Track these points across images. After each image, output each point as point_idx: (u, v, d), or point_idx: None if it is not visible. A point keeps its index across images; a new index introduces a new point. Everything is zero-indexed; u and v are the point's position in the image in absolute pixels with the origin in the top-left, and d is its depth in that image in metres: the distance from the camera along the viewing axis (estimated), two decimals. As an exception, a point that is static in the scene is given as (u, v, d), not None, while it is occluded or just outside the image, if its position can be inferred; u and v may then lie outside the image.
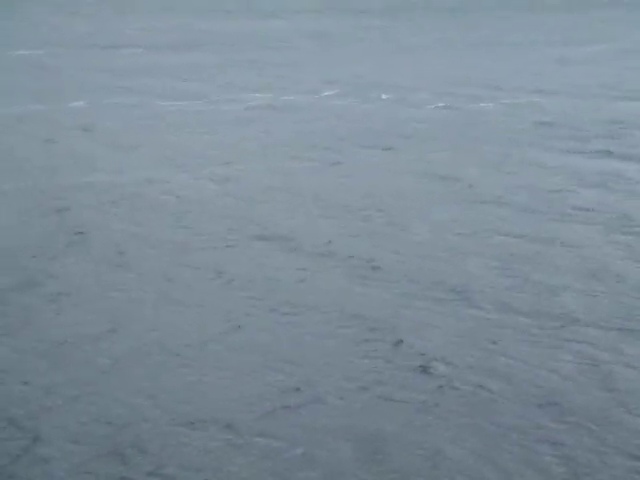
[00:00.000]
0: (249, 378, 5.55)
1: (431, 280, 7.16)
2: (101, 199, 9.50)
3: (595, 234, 8.34)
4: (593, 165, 11.03)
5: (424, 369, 5.66)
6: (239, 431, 4.93)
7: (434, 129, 13.31)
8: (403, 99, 15.87)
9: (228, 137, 12.75)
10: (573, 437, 4.87)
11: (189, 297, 6.85)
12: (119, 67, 19.48)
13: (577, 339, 6.09)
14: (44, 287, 7.03)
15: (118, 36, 25.06)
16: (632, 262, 7.58)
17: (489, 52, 22.54)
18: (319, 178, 10.46)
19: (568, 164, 11.10)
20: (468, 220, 8.79)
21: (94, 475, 4.54)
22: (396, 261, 7.64)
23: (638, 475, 4.50)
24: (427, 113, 14.67)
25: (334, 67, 19.74)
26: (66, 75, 18.47)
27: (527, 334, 6.17)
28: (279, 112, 14.71)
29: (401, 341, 6.04)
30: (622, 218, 8.80)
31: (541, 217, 8.87)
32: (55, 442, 4.82)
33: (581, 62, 20.71)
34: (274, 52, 22.27)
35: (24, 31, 25.96)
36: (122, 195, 9.64)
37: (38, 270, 7.38)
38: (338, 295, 6.87)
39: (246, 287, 7.05)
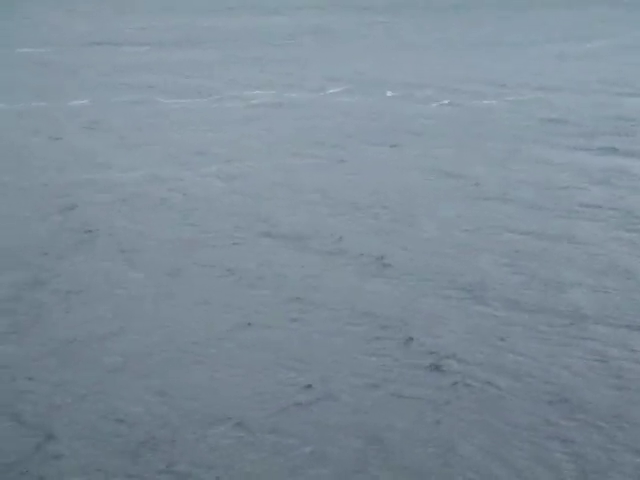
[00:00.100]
0: (260, 375, 5.55)
1: (441, 277, 7.16)
2: (108, 197, 9.50)
3: (602, 231, 8.33)
4: (599, 162, 11.02)
5: (435, 366, 5.65)
6: (250, 428, 4.93)
7: (440, 126, 13.29)
8: (408, 96, 15.84)
9: (233, 134, 12.73)
10: (582, 434, 4.87)
11: (198, 294, 6.85)
12: (122, 65, 19.45)
13: (586, 336, 6.08)
14: (53, 285, 7.03)
15: (119, 34, 25.05)
16: (640, 259, 7.60)
17: (491, 49, 22.51)
18: (326, 175, 10.45)
19: (574, 161, 11.08)
20: (476, 217, 8.78)
21: (105, 472, 4.54)
22: (406, 258, 7.63)
23: (648, 472, 4.52)
24: (432, 110, 14.65)
25: (338, 64, 19.71)
26: (69, 73, 18.45)
27: (536, 331, 6.16)
28: (284, 109, 14.70)
29: (412, 338, 6.03)
30: (629, 215, 8.79)
31: (548, 214, 8.86)
32: (66, 440, 4.82)
33: (583, 59, 20.69)
34: (277, 49, 22.24)
35: (26, 29, 25.95)
36: (129, 193, 9.64)
37: (47, 268, 7.38)
38: (348, 292, 6.87)
39: (256, 284, 7.05)
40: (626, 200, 9.31)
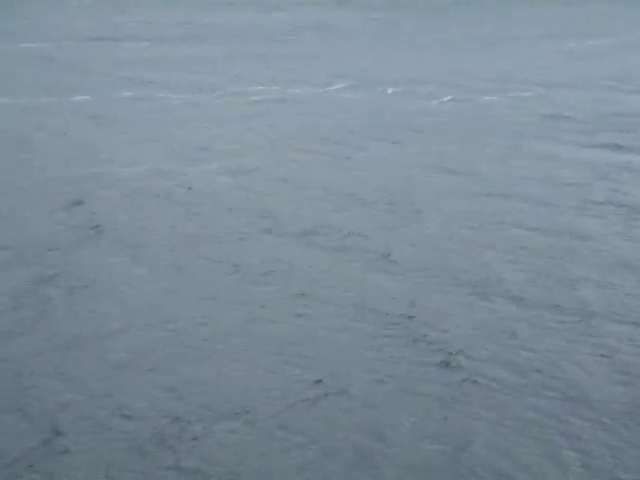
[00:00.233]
0: (268, 371, 5.54)
1: (447, 273, 7.16)
2: (113, 192, 9.48)
3: (607, 227, 8.33)
4: (602, 158, 11.01)
5: (443, 362, 5.65)
6: (259, 424, 4.93)
7: (443, 122, 13.28)
8: (410, 93, 15.82)
9: (236, 130, 12.71)
10: (590, 431, 4.88)
11: (204, 290, 6.84)
12: (124, 60, 19.41)
13: (595, 333, 6.08)
14: (60, 280, 7.01)
15: (121, 29, 24.99)
16: (646, 255, 7.59)
17: (492, 46, 22.46)
18: (330, 171, 10.43)
19: (577, 157, 11.08)
20: (481, 213, 8.78)
21: (112, 468, 4.54)
22: (412, 254, 7.62)
23: (656, 470, 4.52)
24: (435, 107, 14.63)
25: (341, 60, 19.67)
26: (71, 68, 18.39)
27: (545, 327, 6.16)
28: (287, 105, 14.67)
29: (419, 334, 6.03)
30: (633, 211, 8.79)
31: (553, 210, 8.85)
32: (73, 435, 4.82)
33: (584, 55, 20.67)
34: (280, 45, 22.19)
35: (27, 25, 25.88)
36: (133, 188, 9.63)
37: (53, 264, 7.36)
38: (355, 288, 6.87)
39: (261, 280, 7.04)
40: (630, 196, 9.31)
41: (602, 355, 5.77)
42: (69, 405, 5.12)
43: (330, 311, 6.45)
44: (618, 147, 11.55)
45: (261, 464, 4.58)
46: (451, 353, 5.75)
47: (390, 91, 16.01)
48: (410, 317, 6.31)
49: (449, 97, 15.37)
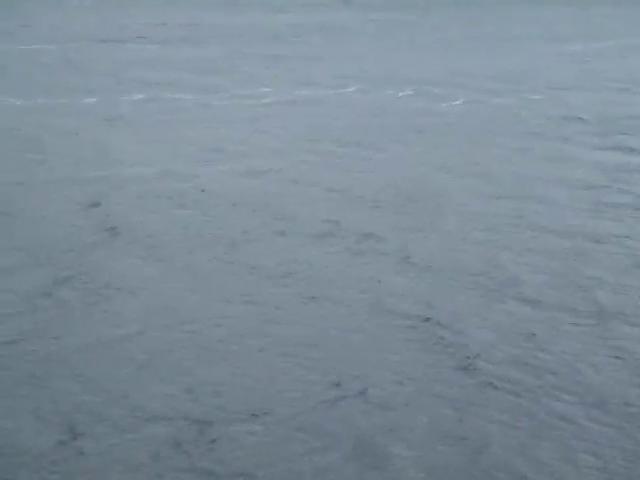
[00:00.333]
0: (285, 373, 5.53)
1: (465, 275, 7.14)
2: (128, 193, 9.46)
3: (623, 229, 8.32)
4: (616, 160, 11.01)
5: (461, 365, 5.63)
6: (277, 426, 4.91)
7: (454, 124, 13.27)
8: (419, 94, 15.81)
9: (247, 132, 12.69)
10: (607, 434, 4.85)
11: (220, 291, 6.82)
12: (129, 61, 19.42)
13: (611, 335, 6.07)
14: (76, 282, 6.98)
15: (126, 31, 25.01)
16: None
17: (496, 46, 22.49)
18: (343, 173, 10.41)
19: (591, 158, 11.07)
20: (497, 214, 8.77)
21: (128, 470, 4.51)
22: (428, 256, 7.60)
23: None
24: (445, 108, 14.62)
25: (346, 61, 19.69)
26: (77, 69, 18.39)
27: (561, 329, 6.15)
28: (295, 106, 14.66)
29: (437, 336, 6.02)
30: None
31: (568, 212, 8.84)
32: (90, 436, 4.80)
33: (588, 57, 20.68)
34: (285, 46, 22.20)
35: (29, 26, 25.90)
36: (147, 189, 9.59)
37: (69, 265, 7.33)
38: (372, 289, 6.85)
39: (277, 281, 7.02)
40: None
41: (618, 357, 5.76)
42: (85, 406, 5.10)
43: (346, 312, 6.43)
44: (631, 149, 11.56)
45: (280, 467, 4.56)
46: (468, 356, 5.74)
47: (400, 92, 16.00)
48: (427, 319, 6.29)
49: (459, 98, 15.37)
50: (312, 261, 7.47)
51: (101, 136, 12.25)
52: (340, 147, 11.66)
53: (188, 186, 9.74)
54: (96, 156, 11.06)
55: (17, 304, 6.52)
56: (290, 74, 17.85)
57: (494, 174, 10.32)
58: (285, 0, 35.29)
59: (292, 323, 6.25)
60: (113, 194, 9.41)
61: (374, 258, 7.55)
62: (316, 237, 8.07)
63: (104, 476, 4.47)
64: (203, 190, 9.56)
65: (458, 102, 15.04)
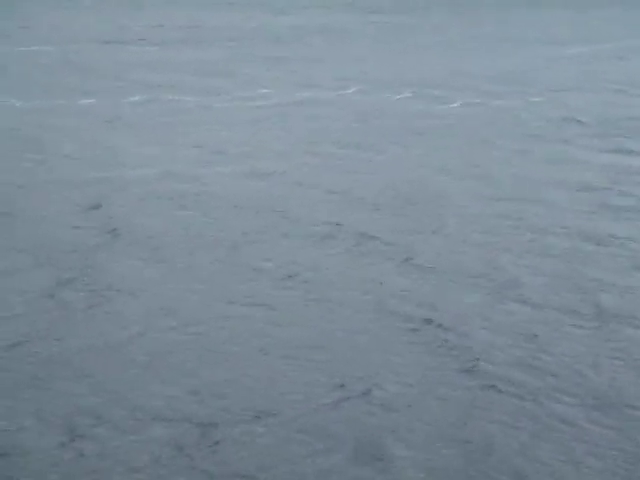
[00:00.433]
0: (288, 374, 5.53)
1: (467, 276, 7.16)
2: (129, 195, 9.46)
3: (624, 230, 8.32)
4: (616, 161, 11.01)
5: (464, 366, 5.63)
6: (280, 428, 4.91)
7: (454, 125, 13.25)
8: (420, 96, 15.78)
9: (248, 134, 12.65)
10: (609, 437, 4.86)
11: (223, 293, 6.82)
12: (130, 63, 19.37)
13: (613, 337, 6.08)
14: (78, 284, 6.98)
15: (127, 32, 24.96)
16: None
17: (495, 49, 22.46)
18: (343, 174, 10.40)
19: (591, 160, 11.06)
20: (498, 216, 8.79)
21: (132, 471, 4.51)
22: (429, 258, 7.61)
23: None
24: (445, 110, 14.59)
25: (347, 63, 19.65)
26: (78, 71, 18.34)
27: (563, 331, 6.15)
28: (296, 108, 14.61)
29: (440, 338, 6.03)
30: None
31: (569, 213, 8.85)
32: (92, 437, 4.80)
33: (586, 59, 20.65)
34: (286, 48, 22.16)
35: (29, 28, 25.85)
36: (149, 191, 9.59)
37: (72, 267, 7.33)
38: (374, 290, 6.85)
39: (280, 283, 7.02)
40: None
41: (619, 359, 5.76)
42: (87, 408, 5.10)
43: (349, 314, 6.44)
44: (631, 151, 11.55)
45: (282, 469, 4.56)
46: (471, 358, 5.74)
47: (400, 94, 15.98)
48: (430, 320, 6.30)
49: (459, 100, 15.34)
50: (314, 263, 7.47)
51: (102, 137, 12.23)
52: (340, 149, 11.66)
53: (190, 188, 9.73)
54: (97, 157, 11.06)
55: (19, 306, 6.53)
56: (291, 76, 17.83)
57: (494, 176, 10.32)
58: (285, 2, 35.26)
59: (295, 325, 6.25)
60: (114, 196, 9.40)
61: (376, 260, 7.55)
62: (318, 239, 8.08)
63: (105, 477, 4.47)
64: (204, 192, 9.55)
65: (458, 104, 15.02)
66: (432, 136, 12.54)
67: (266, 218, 8.68)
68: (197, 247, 7.86)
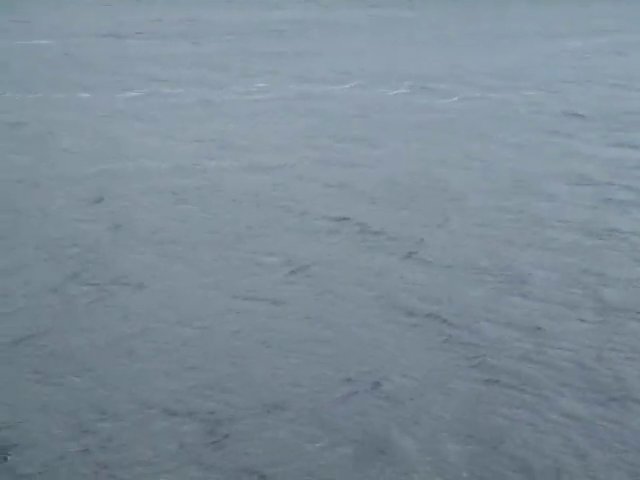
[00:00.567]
0: (296, 369, 5.51)
1: (475, 269, 7.15)
2: (133, 189, 9.43)
3: (630, 224, 8.34)
4: (619, 155, 11.02)
5: (471, 360, 5.63)
6: (289, 422, 4.89)
7: (456, 119, 13.26)
8: (420, 90, 15.76)
9: (251, 128, 12.62)
10: (617, 431, 4.85)
11: (230, 287, 6.80)
12: (130, 57, 19.37)
13: (621, 331, 6.08)
14: (83, 278, 6.96)
15: (125, 27, 24.94)
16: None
17: (494, 43, 22.46)
18: (343, 168, 10.40)
19: (595, 154, 11.07)
20: (503, 209, 8.78)
21: (137, 466, 4.50)
22: (436, 252, 7.60)
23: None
24: (446, 104, 14.58)
25: (345, 57, 19.63)
26: (79, 64, 18.33)
27: (570, 326, 6.14)
28: (294, 102, 14.60)
29: (447, 332, 6.02)
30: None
31: (574, 207, 8.86)
32: (103, 433, 4.77)
33: (587, 53, 20.66)
34: (284, 42, 22.14)
35: (30, 23, 25.84)
36: (153, 185, 9.56)
37: (77, 261, 7.30)
38: (381, 285, 6.84)
39: (286, 278, 6.99)
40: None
41: (624, 353, 5.75)
42: (92, 403, 5.08)
43: (354, 308, 6.43)
44: (631, 145, 11.56)
45: (289, 464, 4.54)
46: (476, 350, 5.74)
47: (398, 88, 15.97)
48: (437, 314, 6.30)
49: (458, 94, 15.34)
50: (318, 257, 7.45)
51: (105, 131, 12.22)
52: (339, 143, 11.65)
53: (194, 182, 9.71)
54: (101, 152, 11.04)
55: (24, 301, 6.51)
56: (289, 70, 17.81)
57: (494, 170, 10.32)
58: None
59: (300, 319, 6.24)
60: (119, 190, 9.38)
61: (380, 253, 7.55)
62: (321, 232, 8.07)
63: (111, 472, 4.45)
64: (208, 185, 9.53)
65: (457, 98, 15.01)
66: (431, 130, 12.54)
67: (269, 212, 8.67)
68: (200, 241, 7.84)
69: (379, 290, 6.74)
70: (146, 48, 20.93)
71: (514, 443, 4.72)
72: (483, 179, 9.92)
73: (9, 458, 4.55)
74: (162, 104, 14.27)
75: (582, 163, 10.60)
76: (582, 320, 6.23)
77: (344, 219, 8.40)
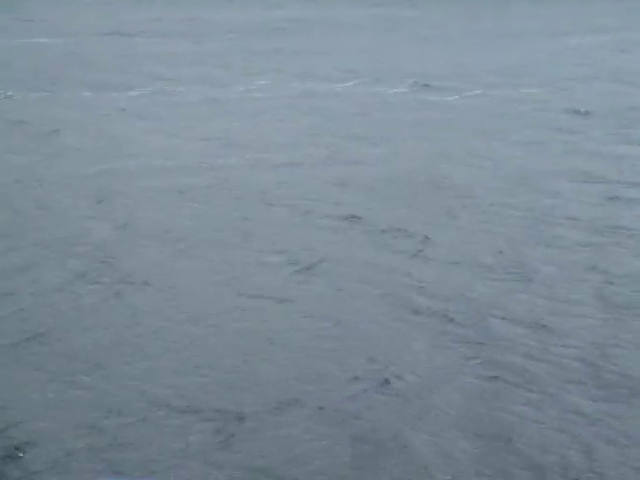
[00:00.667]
0: (308, 366, 5.52)
1: (483, 266, 7.16)
2: (140, 187, 9.42)
3: (637, 221, 8.32)
4: (626, 152, 11.01)
5: (480, 356, 5.64)
6: (297, 420, 4.90)
7: (461, 117, 13.25)
8: (421, 88, 15.76)
9: (256, 125, 12.61)
10: (627, 427, 4.86)
11: (237, 284, 6.80)
12: (134, 55, 19.39)
13: (627, 328, 6.07)
14: (91, 277, 6.96)
15: (128, 25, 24.96)
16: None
17: (496, 41, 22.47)
18: (348, 165, 10.40)
19: (602, 151, 11.05)
20: (511, 206, 8.78)
21: (146, 462, 4.51)
22: (445, 248, 7.61)
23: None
24: (451, 102, 14.58)
25: (347, 55, 19.63)
26: (82, 63, 18.35)
27: (580, 322, 6.15)
28: (297, 100, 14.61)
29: (456, 328, 6.03)
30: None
31: (582, 204, 8.85)
32: (114, 431, 4.79)
33: (590, 51, 20.66)
34: (286, 41, 22.15)
35: (32, 21, 25.86)
36: (160, 183, 9.55)
37: (84, 260, 7.30)
38: (391, 282, 6.85)
39: (296, 276, 6.99)
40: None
41: (633, 350, 5.75)
42: (102, 401, 5.09)
43: (364, 305, 6.43)
44: (637, 142, 11.54)
45: (298, 461, 4.54)
46: (485, 348, 5.73)
47: (401, 86, 15.97)
48: (444, 311, 6.30)
49: (460, 92, 15.33)
50: (325, 254, 7.45)
51: (106, 130, 12.21)
52: (343, 140, 11.65)
53: (197, 180, 9.71)
54: (107, 150, 11.04)
55: (31, 300, 6.51)
56: (292, 68, 17.81)
57: (506, 166, 10.31)
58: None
59: (308, 316, 6.24)
60: (123, 188, 9.37)
61: (387, 251, 7.55)
62: (327, 230, 8.07)
63: (119, 468, 4.47)
64: (215, 184, 9.51)
65: (459, 96, 15.01)
66: (437, 128, 12.54)
67: (276, 210, 8.67)
68: (207, 239, 7.85)
69: (387, 287, 6.74)
70: (148, 47, 20.94)
71: (521, 439, 4.73)
72: (488, 176, 9.91)
73: (21, 455, 4.57)
74: (166, 102, 14.27)
75: (587, 160, 10.59)
76: (589, 317, 6.23)
77: (351, 216, 8.41)
